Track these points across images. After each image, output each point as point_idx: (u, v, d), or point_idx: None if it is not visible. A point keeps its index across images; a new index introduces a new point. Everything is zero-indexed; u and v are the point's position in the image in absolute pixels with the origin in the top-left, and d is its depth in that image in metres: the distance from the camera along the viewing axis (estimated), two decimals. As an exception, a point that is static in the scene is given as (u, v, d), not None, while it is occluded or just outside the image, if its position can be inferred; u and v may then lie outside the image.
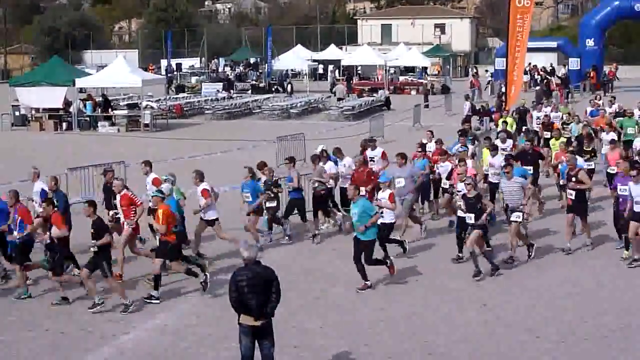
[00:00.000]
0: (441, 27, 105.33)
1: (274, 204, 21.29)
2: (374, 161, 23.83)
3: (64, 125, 48.17)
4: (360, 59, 75.84)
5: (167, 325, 15.59)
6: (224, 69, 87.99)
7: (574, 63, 74.13)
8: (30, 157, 35.63)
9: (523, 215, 19.15)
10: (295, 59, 79.60)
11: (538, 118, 34.73)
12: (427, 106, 56.76)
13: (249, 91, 71.83)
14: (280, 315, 12.46)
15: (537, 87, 62.85)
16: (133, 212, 18.52)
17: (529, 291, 17.21)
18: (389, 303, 16.61)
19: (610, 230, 21.12)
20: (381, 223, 18.24)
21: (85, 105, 49.18)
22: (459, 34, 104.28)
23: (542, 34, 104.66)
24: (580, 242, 20.53)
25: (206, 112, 55.57)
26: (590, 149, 25.79)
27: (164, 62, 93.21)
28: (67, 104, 48.76)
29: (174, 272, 17.97)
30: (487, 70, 79.34)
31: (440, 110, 53.44)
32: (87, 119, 48.59)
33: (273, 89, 71.48)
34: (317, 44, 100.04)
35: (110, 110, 49.67)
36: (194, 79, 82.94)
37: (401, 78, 78.29)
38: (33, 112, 49.50)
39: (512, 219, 19.09)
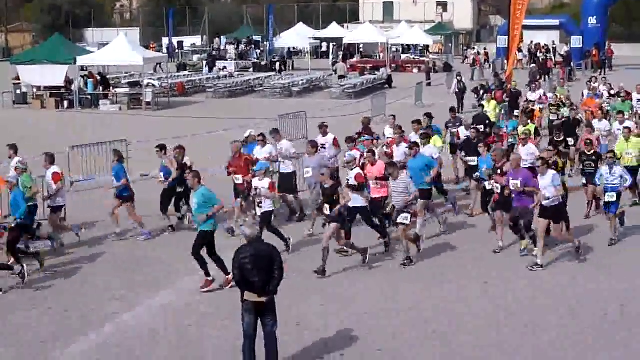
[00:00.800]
0: (443, 5, 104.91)
1: (181, 189, 20.42)
2: (324, 148, 21.90)
3: (66, 103, 48.16)
4: (362, 37, 75.61)
5: (168, 304, 15.62)
6: (225, 47, 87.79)
7: (576, 41, 73.87)
8: (31, 135, 35.61)
9: (411, 217, 17.64)
10: (297, 37, 79.32)
11: (532, 101, 33.34)
12: (429, 84, 56.74)
13: (251, 69, 71.74)
14: (282, 295, 12.48)
15: (533, 65, 61.07)
16: None
17: (530, 279, 17.10)
18: (389, 285, 16.61)
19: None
20: (261, 212, 18.03)
21: (86, 84, 49.16)
22: (461, 12, 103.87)
23: (544, 11, 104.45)
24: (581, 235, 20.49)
25: (208, 90, 55.50)
26: (561, 139, 23.77)
27: (165, 40, 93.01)
28: (69, 82, 48.73)
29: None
30: (474, 48, 79.45)
31: (442, 88, 53.33)
32: (89, 97, 48.55)
33: (274, 68, 71.37)
34: (318, 22, 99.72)
35: (108, 88, 49.63)
36: (195, 57, 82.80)
37: (403, 56, 78.17)
38: (34, 90, 49.50)
39: (399, 220, 17.63)
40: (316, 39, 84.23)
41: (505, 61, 48.72)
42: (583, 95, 35.42)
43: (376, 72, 62.85)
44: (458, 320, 14.90)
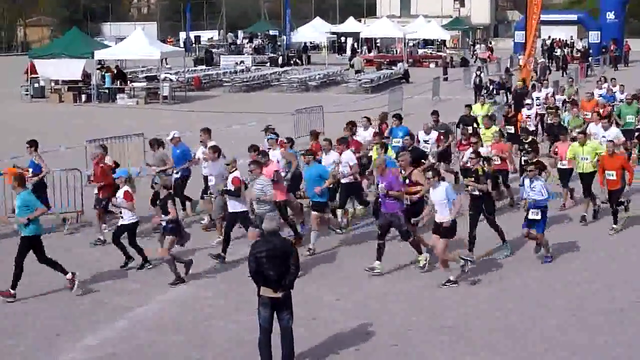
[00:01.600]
0: (460, 0, 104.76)
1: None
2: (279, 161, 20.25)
3: (83, 97, 48.35)
4: (379, 32, 75.63)
5: (179, 298, 15.69)
6: (242, 42, 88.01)
7: (594, 36, 73.68)
8: (48, 129, 35.76)
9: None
10: (314, 31, 79.41)
11: (538, 99, 31.22)
12: (446, 79, 56.69)
13: (268, 64, 71.88)
14: (297, 290, 12.50)
15: (542, 60, 57.93)
16: None
17: (539, 265, 17.18)
18: (400, 277, 16.63)
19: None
20: (120, 225, 17.25)
21: (104, 77, 49.32)
22: (479, 7, 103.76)
23: (562, 6, 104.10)
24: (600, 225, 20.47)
25: (224, 84, 55.61)
26: (529, 140, 22.37)
27: (182, 35, 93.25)
28: (86, 76, 48.90)
29: None
30: (483, 44, 79.63)
31: (459, 83, 53.28)
32: (106, 91, 48.71)
33: (292, 62, 71.49)
34: (335, 17, 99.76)
35: (125, 82, 49.80)
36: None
37: (420, 51, 78.12)
38: (52, 84, 49.69)
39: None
40: (333, 33, 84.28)
41: (520, 57, 48.66)
42: (593, 95, 32.55)
43: (393, 67, 62.84)
44: (467, 303, 15.03)
